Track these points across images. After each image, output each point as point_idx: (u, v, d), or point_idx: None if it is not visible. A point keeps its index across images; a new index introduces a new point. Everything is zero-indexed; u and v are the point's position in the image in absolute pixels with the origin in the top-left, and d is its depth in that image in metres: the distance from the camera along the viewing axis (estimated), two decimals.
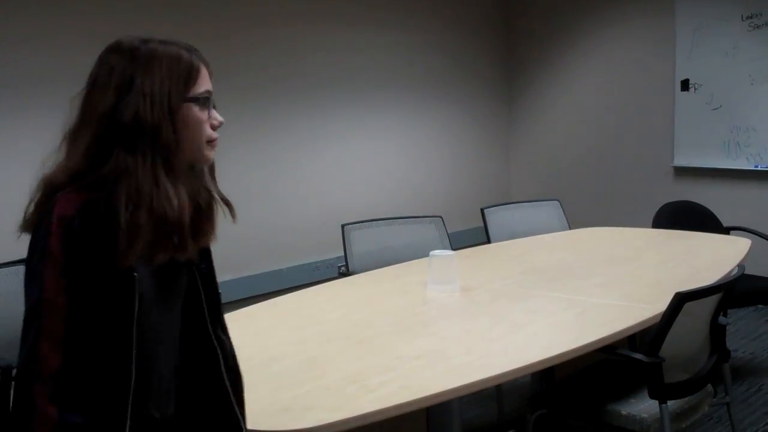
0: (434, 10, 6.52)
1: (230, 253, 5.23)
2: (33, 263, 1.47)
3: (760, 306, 6.12)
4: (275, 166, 5.46)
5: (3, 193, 3.86)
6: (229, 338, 1.84)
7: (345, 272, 3.83)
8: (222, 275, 5.19)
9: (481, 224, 4.51)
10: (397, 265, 3.77)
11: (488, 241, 4.41)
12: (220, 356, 1.77)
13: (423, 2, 6.42)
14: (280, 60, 5.43)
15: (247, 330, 2.73)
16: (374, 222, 4.12)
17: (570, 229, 4.73)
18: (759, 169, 6.00)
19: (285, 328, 2.75)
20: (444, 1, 6.60)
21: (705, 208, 5.14)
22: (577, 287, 3.26)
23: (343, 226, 3.98)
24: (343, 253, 3.95)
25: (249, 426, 1.90)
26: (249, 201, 5.32)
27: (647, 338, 2.75)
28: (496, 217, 4.55)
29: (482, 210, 4.51)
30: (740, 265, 3.27)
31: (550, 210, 4.80)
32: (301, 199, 5.63)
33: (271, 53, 5.37)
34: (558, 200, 4.87)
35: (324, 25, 5.69)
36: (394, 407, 2.03)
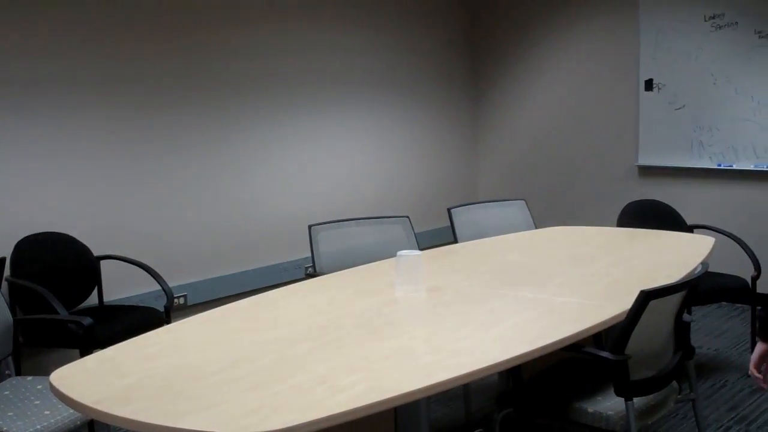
0: (399, 10, 6.52)
1: (197, 255, 5.21)
2: None
3: (723, 303, 6.20)
4: (241, 167, 5.44)
5: None
6: None
7: (312, 273, 3.82)
8: (190, 277, 5.21)
9: (448, 224, 4.53)
10: (364, 265, 3.77)
11: (455, 241, 4.43)
12: None
13: (388, 3, 6.42)
14: (244, 60, 5.41)
15: (215, 332, 2.71)
16: (341, 222, 4.12)
17: (536, 228, 4.76)
18: (722, 168, 6.07)
19: (252, 329, 2.74)
20: (410, 2, 6.61)
21: (669, 206, 5.19)
22: (543, 286, 3.28)
23: (310, 227, 3.98)
24: (310, 254, 3.95)
25: (218, 429, 1.89)
26: (215, 203, 5.30)
27: (613, 336, 2.77)
28: (463, 217, 4.56)
29: (449, 210, 4.53)
30: (704, 263, 3.30)
31: (516, 210, 4.83)
32: (267, 201, 5.61)
33: (235, 53, 5.35)
34: (524, 200, 4.89)
35: (288, 25, 5.68)
36: (363, 408, 2.03)
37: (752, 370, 2.54)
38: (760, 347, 2.53)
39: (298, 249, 5.78)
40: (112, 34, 4.71)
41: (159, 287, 4.51)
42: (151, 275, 4.51)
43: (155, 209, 4.98)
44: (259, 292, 3.30)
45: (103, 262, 4.66)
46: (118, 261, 4.72)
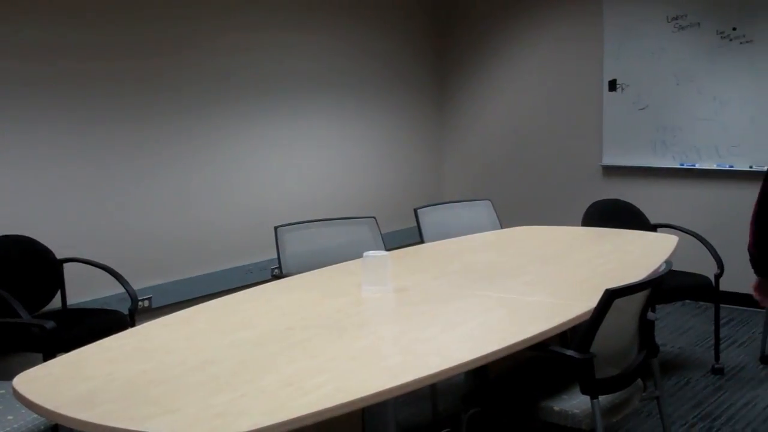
0: (365, 13, 6.52)
1: (162, 257, 5.17)
2: None
3: (687, 301, 6.26)
4: (206, 169, 5.41)
5: None
6: None
7: (278, 274, 3.81)
8: (154, 279, 5.17)
9: (415, 224, 4.53)
10: (330, 266, 3.76)
11: (421, 241, 4.43)
12: None
13: (355, 6, 6.42)
14: (208, 62, 5.38)
15: (180, 334, 2.69)
16: (307, 224, 4.11)
17: (501, 228, 4.78)
18: (685, 167, 6.14)
19: (218, 331, 2.72)
20: (376, 5, 6.61)
21: (633, 206, 5.24)
22: (509, 286, 3.29)
23: (276, 228, 3.96)
24: (276, 256, 3.93)
25: None
26: (180, 204, 5.26)
27: (578, 335, 2.79)
28: (429, 218, 4.57)
29: (415, 210, 4.53)
30: (667, 262, 3.33)
31: (482, 210, 4.84)
32: (233, 202, 5.58)
33: (199, 55, 5.32)
34: (489, 200, 4.91)
35: (255, 27, 5.65)
36: (330, 409, 2.02)
37: (754, 293, 3.04)
38: (757, 280, 3.04)
39: (264, 250, 5.76)
40: (76, 33, 4.66)
41: (123, 290, 4.47)
42: (115, 278, 4.47)
43: (119, 211, 4.93)
44: (225, 294, 3.28)
45: (66, 265, 4.61)
46: (81, 263, 4.67)
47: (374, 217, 4.30)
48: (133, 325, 4.23)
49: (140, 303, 4.99)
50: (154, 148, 5.10)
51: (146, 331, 2.74)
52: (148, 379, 2.25)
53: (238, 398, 2.09)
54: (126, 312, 4.36)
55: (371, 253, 3.25)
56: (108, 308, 4.60)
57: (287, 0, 5.87)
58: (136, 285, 4.94)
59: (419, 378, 2.24)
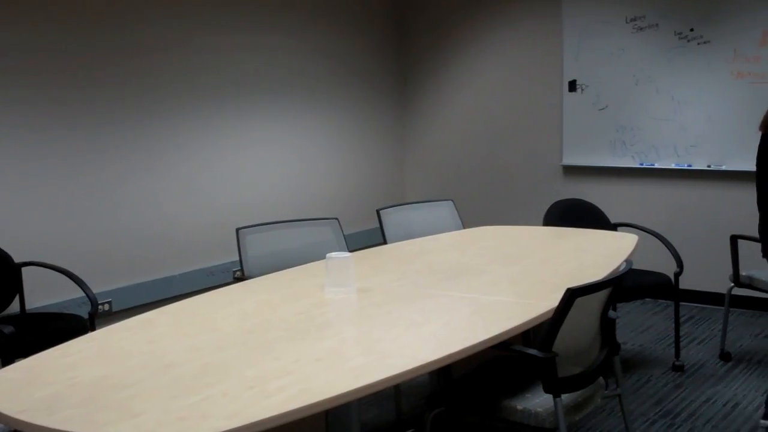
0: (326, 15, 6.51)
1: (122, 260, 5.12)
2: None
3: (647, 299, 6.33)
4: (166, 170, 5.36)
5: None
6: None
7: (240, 277, 3.79)
8: (114, 283, 5.11)
9: (377, 225, 4.53)
10: (293, 268, 3.75)
11: (384, 242, 4.43)
12: None
13: (316, 7, 6.40)
14: (168, 61, 5.34)
15: (141, 338, 2.67)
16: (269, 225, 4.09)
17: (464, 228, 4.79)
18: (644, 167, 6.20)
19: (180, 335, 2.70)
20: (336, 6, 6.61)
21: (593, 205, 5.28)
22: (472, 285, 3.30)
23: (237, 230, 3.93)
24: (237, 258, 3.91)
25: None
26: (140, 206, 5.21)
27: (540, 334, 2.80)
28: (392, 218, 4.57)
29: (378, 211, 4.53)
30: (628, 261, 3.36)
31: (445, 210, 4.85)
32: (193, 203, 5.54)
33: (158, 53, 5.28)
34: (452, 200, 4.92)
35: (214, 28, 5.62)
36: (293, 411, 2.01)
37: None
38: None
39: (225, 252, 5.72)
40: (27, 31, 4.60)
41: (83, 294, 4.42)
42: (75, 281, 4.42)
43: (78, 213, 4.88)
44: (186, 297, 3.25)
45: (24, 269, 4.55)
46: (40, 267, 4.61)
47: (337, 219, 4.30)
48: (93, 329, 4.18)
49: (100, 307, 4.94)
50: (112, 150, 5.05)
51: (107, 336, 2.72)
52: (109, 384, 2.22)
53: (201, 402, 2.07)
54: (86, 316, 4.31)
55: (334, 254, 3.25)
56: (67, 312, 4.54)
57: (249, 3, 5.85)
58: (96, 289, 4.89)
59: (383, 379, 2.24)
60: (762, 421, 3.91)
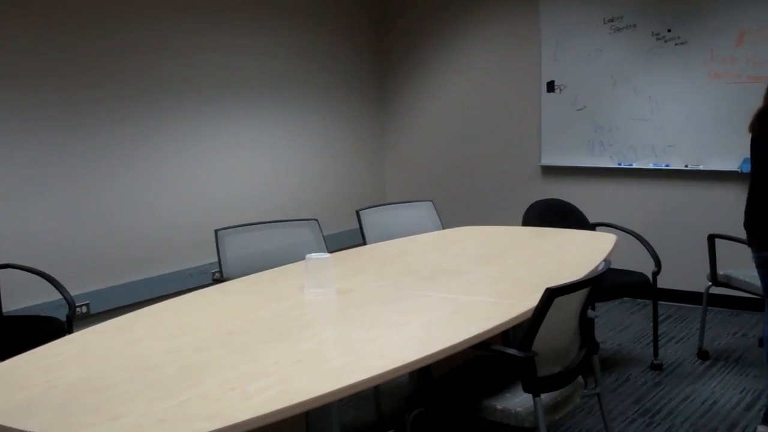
0: (303, 15, 6.50)
1: (100, 262, 5.09)
2: None
3: (625, 298, 6.36)
4: (144, 171, 5.34)
5: None
6: None
7: (219, 278, 3.77)
8: (92, 285, 5.07)
9: (357, 226, 4.53)
10: (272, 269, 3.74)
11: (364, 243, 4.43)
12: None
13: (292, 8, 6.39)
14: (146, 61, 5.31)
15: (120, 340, 2.65)
16: (248, 226, 4.07)
17: (443, 228, 4.80)
18: (622, 167, 6.23)
19: (159, 337, 2.68)
20: (315, 7, 6.60)
21: (572, 205, 5.30)
22: (451, 286, 3.30)
23: (216, 232, 3.92)
24: (216, 259, 3.90)
25: None
26: (118, 207, 5.19)
27: (520, 333, 2.81)
28: (371, 219, 4.57)
29: (357, 212, 4.53)
30: (606, 260, 3.38)
31: (424, 210, 4.86)
32: (172, 205, 5.52)
33: (136, 53, 5.25)
34: (431, 201, 4.93)
35: (195, 31, 5.60)
36: (273, 413, 2.01)
37: None
38: None
39: (204, 254, 5.70)
40: (3, 28, 4.57)
41: (60, 296, 4.39)
42: (52, 284, 4.38)
43: (55, 215, 4.84)
44: (165, 299, 3.24)
45: (1, 271, 4.51)
46: (17, 270, 4.57)
47: (316, 219, 4.29)
48: (70, 332, 4.15)
49: (78, 309, 4.90)
50: (89, 152, 5.02)
51: (85, 338, 2.70)
52: (88, 387, 2.21)
53: (180, 404, 2.06)
54: (64, 319, 4.28)
55: (314, 255, 3.24)
56: (45, 315, 4.51)
57: (227, 6, 5.83)
58: (74, 291, 4.86)
59: (363, 380, 2.23)
60: (760, 427, 3.87)
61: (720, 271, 4.88)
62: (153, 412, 2.01)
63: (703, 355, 5.00)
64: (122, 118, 5.18)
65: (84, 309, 4.97)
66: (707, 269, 4.96)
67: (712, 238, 4.88)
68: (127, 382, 2.23)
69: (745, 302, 5.85)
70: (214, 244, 3.91)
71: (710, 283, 4.89)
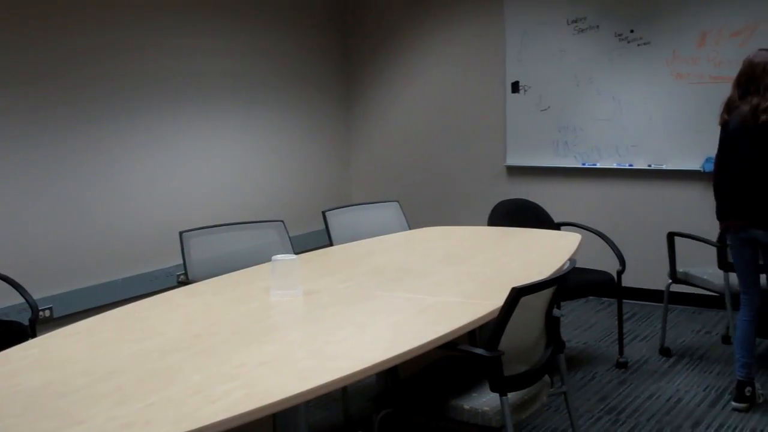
0: (268, 15, 6.48)
1: (63, 265, 5.03)
2: None
3: (590, 297, 6.41)
4: (107, 172, 5.29)
5: None
6: None
7: (184, 281, 3.75)
8: (56, 288, 5.01)
9: (323, 227, 4.52)
10: (238, 271, 3.72)
11: (330, 244, 4.42)
12: None
13: (257, 7, 6.37)
14: (110, 59, 5.26)
15: (84, 344, 2.62)
16: (213, 228, 4.05)
17: (410, 229, 4.80)
18: (586, 167, 6.28)
19: (123, 340, 2.66)
20: (280, 7, 6.58)
21: (537, 205, 5.33)
22: (418, 286, 3.31)
23: (181, 234, 3.89)
24: (181, 261, 3.87)
25: None
26: (82, 210, 5.13)
27: (486, 333, 2.82)
28: (338, 220, 4.56)
29: (323, 213, 4.52)
30: (571, 259, 3.40)
31: (390, 211, 4.86)
32: (136, 207, 5.47)
33: (98, 50, 5.20)
34: (397, 201, 4.93)
35: (154, 31, 5.56)
36: (239, 416, 2.00)
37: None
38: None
39: (169, 256, 5.66)
40: None
41: (23, 300, 4.34)
42: (14, 287, 4.33)
43: (16, 217, 4.78)
44: (130, 302, 3.21)
45: None
46: None
47: (282, 221, 4.28)
48: (33, 336, 4.10)
49: (41, 313, 4.84)
50: (51, 153, 4.96)
51: (48, 342, 2.67)
52: (52, 392, 2.18)
53: (146, 408, 2.04)
54: (26, 323, 4.23)
55: (280, 256, 3.23)
56: (7, 319, 4.45)
57: (189, 5, 5.79)
58: (37, 294, 4.80)
59: (330, 381, 2.23)
60: (734, 404, 4.15)
61: (679, 269, 4.94)
62: (118, 416, 2.00)
63: (665, 351, 5.05)
64: (84, 121, 5.13)
65: (47, 313, 4.91)
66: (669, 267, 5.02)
67: (671, 236, 4.94)
68: (92, 387, 2.21)
69: (708, 300, 5.92)
70: (179, 246, 3.88)
71: (670, 281, 4.94)
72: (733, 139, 4.03)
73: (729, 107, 4.06)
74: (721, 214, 4.15)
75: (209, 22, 5.97)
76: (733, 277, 4.35)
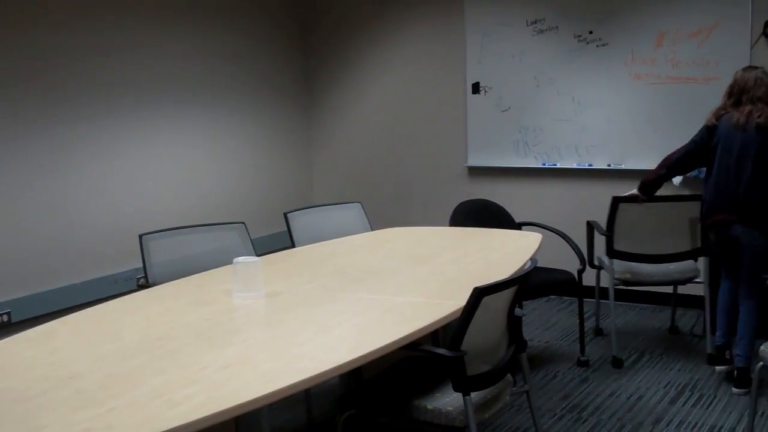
0: (226, 15, 6.45)
1: (20, 268, 4.96)
2: None
3: (552, 296, 6.44)
4: (64, 173, 5.23)
5: None
6: None
7: (144, 284, 3.72)
8: (14, 293, 4.96)
9: (285, 229, 4.50)
10: (199, 273, 3.69)
11: (292, 245, 4.41)
12: None
13: (215, 8, 6.33)
14: (65, 66, 5.20)
15: (43, 349, 2.59)
16: (173, 231, 4.02)
17: (372, 230, 4.80)
18: (546, 167, 6.32)
19: (82, 345, 2.63)
20: (240, 9, 6.54)
21: (498, 205, 5.35)
22: (381, 287, 3.31)
23: (140, 236, 3.85)
24: (142, 265, 3.83)
25: None
26: (38, 211, 5.06)
27: (449, 333, 2.83)
28: (300, 221, 4.55)
29: (285, 214, 4.50)
30: (532, 259, 3.42)
31: (353, 212, 4.86)
32: (94, 209, 5.41)
33: (55, 59, 5.14)
34: (360, 202, 4.93)
35: (114, 31, 5.50)
36: (201, 420, 1.98)
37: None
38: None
39: (128, 259, 5.61)
40: None
41: None
42: None
43: None
44: (89, 306, 3.17)
45: None
46: None
47: (243, 223, 4.25)
48: None
49: None
50: (7, 156, 4.89)
51: (6, 347, 2.63)
52: (11, 397, 2.15)
53: (106, 413, 2.02)
54: None
55: (241, 258, 3.21)
56: None
57: (149, 5, 5.74)
58: None
59: (293, 383, 2.22)
60: (717, 368, 4.54)
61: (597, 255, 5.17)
62: (78, 422, 1.97)
63: (598, 331, 5.37)
64: (46, 120, 5.06)
65: (5, 318, 4.84)
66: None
67: (590, 225, 5.16)
68: (51, 392, 2.18)
69: (662, 298, 5.98)
70: (139, 249, 3.84)
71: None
72: (724, 141, 4.40)
73: (718, 114, 4.47)
74: (706, 212, 4.51)
75: (160, 21, 5.92)
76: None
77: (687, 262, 5.02)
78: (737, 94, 4.42)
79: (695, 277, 4.98)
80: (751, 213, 4.33)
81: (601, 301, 5.58)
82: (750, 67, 4.50)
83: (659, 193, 4.79)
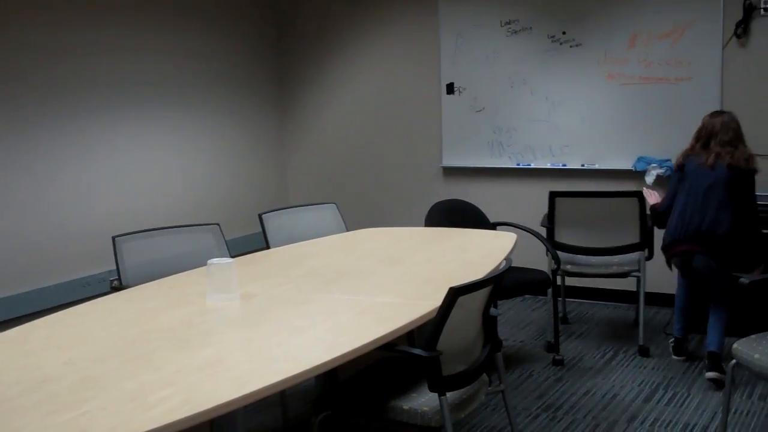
0: (198, 15, 6.42)
1: None
2: None
3: (527, 296, 6.46)
4: (35, 174, 5.18)
5: None
6: None
7: (118, 286, 3.69)
8: None
9: (260, 230, 4.49)
10: (173, 275, 3.67)
11: (267, 247, 4.39)
12: None
13: (187, 7, 6.30)
14: (37, 65, 5.15)
15: (14, 353, 2.56)
16: (147, 232, 3.99)
17: (347, 231, 4.79)
18: (521, 167, 6.34)
19: (55, 348, 2.60)
20: (210, 6, 6.51)
21: (473, 205, 5.36)
22: (356, 287, 3.30)
23: (113, 238, 3.82)
24: (115, 267, 3.80)
25: None
26: (9, 213, 5.01)
27: (424, 333, 2.83)
28: (274, 222, 4.54)
29: (260, 216, 4.49)
30: (507, 259, 3.43)
31: (328, 213, 4.85)
32: (67, 211, 5.37)
33: (29, 58, 5.09)
34: (335, 203, 4.92)
35: (87, 30, 5.46)
36: (175, 423, 1.97)
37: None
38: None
39: (101, 261, 5.56)
40: None
41: None
42: None
43: None
44: (61, 309, 3.14)
45: None
46: None
47: (218, 224, 4.23)
48: None
49: None
50: None
51: None
52: None
53: (79, 417, 2.00)
54: None
55: (216, 260, 3.20)
56: None
57: (122, 4, 5.70)
58: None
59: (268, 385, 2.21)
60: (708, 374, 4.46)
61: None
62: (51, 425, 1.95)
63: (565, 319, 5.13)
64: (19, 121, 5.01)
65: None
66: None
67: (552, 195, 5.18)
68: (23, 396, 2.16)
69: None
70: (112, 251, 3.81)
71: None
72: (692, 178, 4.59)
73: (686, 155, 4.67)
74: (669, 243, 4.68)
75: (133, 20, 5.88)
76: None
77: (630, 256, 5.14)
78: (705, 138, 4.62)
79: (634, 270, 5.06)
80: (714, 245, 4.48)
81: (577, 300, 5.61)
82: (717, 112, 4.70)
83: (595, 188, 5.18)
